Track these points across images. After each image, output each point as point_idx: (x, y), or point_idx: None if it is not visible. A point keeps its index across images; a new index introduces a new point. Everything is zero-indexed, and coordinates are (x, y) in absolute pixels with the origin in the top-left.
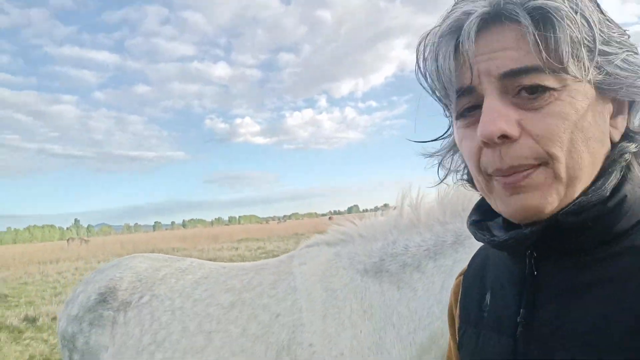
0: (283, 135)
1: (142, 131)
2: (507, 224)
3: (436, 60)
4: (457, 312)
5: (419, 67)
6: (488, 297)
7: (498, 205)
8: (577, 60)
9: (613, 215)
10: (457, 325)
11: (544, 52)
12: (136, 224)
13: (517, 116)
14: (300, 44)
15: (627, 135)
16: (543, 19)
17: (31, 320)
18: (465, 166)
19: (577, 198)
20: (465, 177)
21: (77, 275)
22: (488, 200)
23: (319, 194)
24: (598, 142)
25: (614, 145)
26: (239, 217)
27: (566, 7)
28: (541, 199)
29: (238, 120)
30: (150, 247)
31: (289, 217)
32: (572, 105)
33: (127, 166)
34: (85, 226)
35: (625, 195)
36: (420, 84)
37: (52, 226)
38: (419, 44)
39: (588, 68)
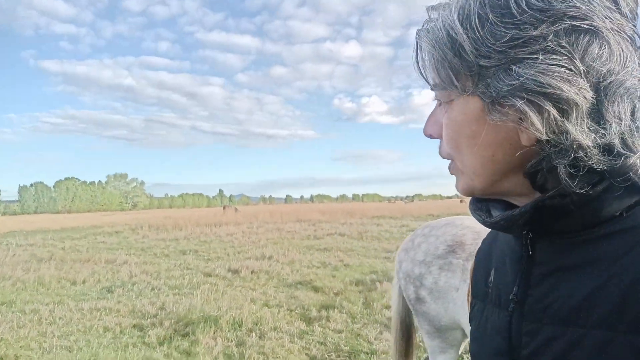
0: (409, 114)
1: (278, 110)
2: (506, 205)
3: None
4: (470, 288)
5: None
6: (492, 273)
7: None
8: (457, 78)
9: (598, 200)
10: (469, 299)
11: (435, 74)
12: (270, 196)
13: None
14: None
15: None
16: (421, 51)
17: (234, 272)
18: None
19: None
20: None
21: (245, 237)
22: None
23: (443, 175)
24: (496, 145)
25: (541, 146)
26: (362, 195)
27: (432, 39)
28: (459, 182)
29: (365, 100)
30: (294, 217)
31: (412, 197)
32: (454, 115)
33: (264, 143)
34: (228, 196)
35: (609, 185)
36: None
37: (200, 194)
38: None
39: (467, 84)
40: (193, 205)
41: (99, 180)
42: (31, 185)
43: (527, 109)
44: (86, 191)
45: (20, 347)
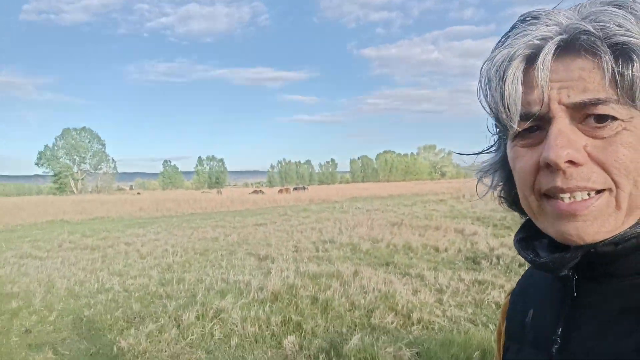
0: None
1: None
2: (552, 245)
3: (503, 82)
4: (503, 330)
5: (481, 86)
6: (530, 313)
7: (547, 228)
8: None
9: None
10: (502, 342)
11: (619, 88)
12: None
13: (583, 142)
14: None
15: None
16: (623, 56)
17: None
18: (506, 185)
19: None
20: (503, 194)
21: None
22: (535, 221)
23: None
24: None
25: None
26: None
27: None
28: (599, 227)
29: None
30: None
31: None
32: (633, 137)
33: None
34: None
35: None
36: (480, 102)
37: None
38: (484, 63)
39: None
40: None
41: (411, 152)
42: (358, 158)
43: None
44: (401, 162)
45: (429, 312)
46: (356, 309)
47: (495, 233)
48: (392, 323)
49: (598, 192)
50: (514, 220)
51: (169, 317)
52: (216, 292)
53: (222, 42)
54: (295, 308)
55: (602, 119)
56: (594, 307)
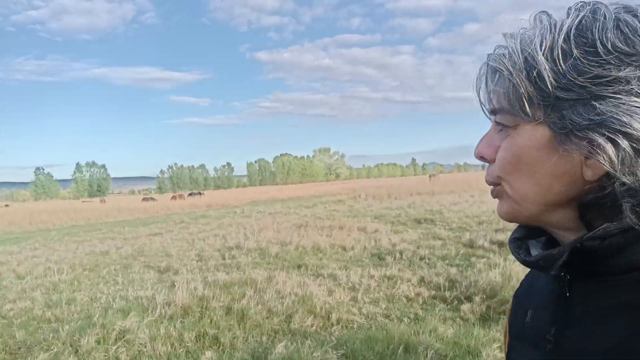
0: None
1: (471, 71)
2: (548, 244)
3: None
4: (507, 328)
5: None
6: (530, 313)
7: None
8: (529, 105)
9: (638, 245)
10: (506, 340)
11: (510, 100)
12: (465, 163)
13: (498, 144)
14: None
15: (609, 174)
16: (492, 74)
17: (500, 244)
18: None
19: (600, 225)
20: None
21: (475, 206)
22: None
23: None
24: (556, 176)
25: (606, 183)
26: None
27: (509, 65)
28: (501, 208)
29: None
30: None
31: None
32: (517, 141)
33: (456, 107)
34: (421, 164)
35: None
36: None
37: (394, 164)
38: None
39: (537, 112)
40: (388, 175)
41: (307, 155)
42: (255, 161)
43: (605, 145)
44: (298, 165)
45: (346, 311)
46: (274, 316)
47: (394, 229)
48: (312, 326)
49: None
50: (408, 216)
51: (63, 344)
52: (116, 311)
53: (102, 39)
54: (209, 321)
55: (498, 125)
56: (585, 306)
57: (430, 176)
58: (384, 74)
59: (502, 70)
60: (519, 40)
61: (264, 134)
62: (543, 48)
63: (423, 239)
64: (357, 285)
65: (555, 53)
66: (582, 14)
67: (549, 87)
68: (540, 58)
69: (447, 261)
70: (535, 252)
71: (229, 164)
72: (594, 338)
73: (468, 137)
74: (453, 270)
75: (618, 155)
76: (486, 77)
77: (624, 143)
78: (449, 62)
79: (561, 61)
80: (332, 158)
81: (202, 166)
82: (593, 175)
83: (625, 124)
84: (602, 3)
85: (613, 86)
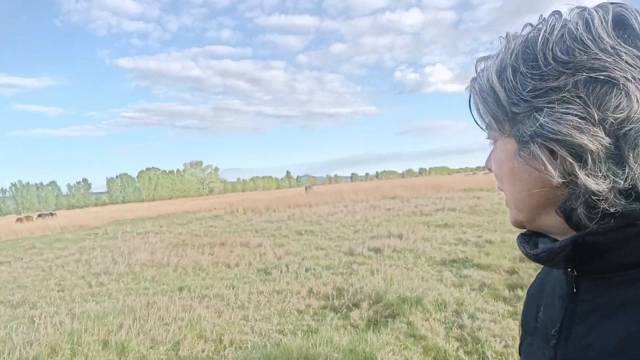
0: None
1: (338, 89)
2: (554, 241)
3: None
4: (520, 322)
5: None
6: (542, 308)
7: None
8: (496, 122)
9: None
10: (520, 334)
11: (493, 117)
12: (336, 175)
13: None
14: None
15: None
16: (474, 97)
17: (376, 251)
18: None
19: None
20: None
21: (349, 216)
22: None
23: None
24: (531, 182)
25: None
26: (429, 168)
27: (477, 87)
28: (509, 214)
29: (428, 69)
30: (379, 195)
31: (483, 169)
32: (497, 154)
33: (326, 123)
34: (295, 177)
35: None
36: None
37: (270, 177)
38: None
39: (506, 126)
40: (264, 187)
41: (177, 169)
42: (117, 176)
43: (540, 153)
44: (166, 179)
45: (239, 332)
46: (160, 345)
47: (277, 242)
48: (203, 351)
49: None
50: (289, 229)
51: None
52: None
53: None
54: (83, 358)
55: (489, 139)
56: (591, 302)
57: (306, 188)
58: (257, 87)
59: (476, 93)
60: (485, 65)
61: (127, 146)
62: (498, 70)
63: (306, 250)
64: (247, 303)
65: (507, 72)
66: (530, 31)
67: (505, 104)
68: (495, 79)
69: (332, 270)
70: (541, 247)
71: (85, 180)
72: (599, 334)
73: (337, 151)
74: (338, 279)
75: (556, 162)
76: (469, 100)
77: (560, 150)
78: (318, 79)
79: (511, 79)
80: (204, 172)
81: (53, 183)
82: (556, 182)
83: (556, 131)
84: (559, 12)
85: (548, 96)
